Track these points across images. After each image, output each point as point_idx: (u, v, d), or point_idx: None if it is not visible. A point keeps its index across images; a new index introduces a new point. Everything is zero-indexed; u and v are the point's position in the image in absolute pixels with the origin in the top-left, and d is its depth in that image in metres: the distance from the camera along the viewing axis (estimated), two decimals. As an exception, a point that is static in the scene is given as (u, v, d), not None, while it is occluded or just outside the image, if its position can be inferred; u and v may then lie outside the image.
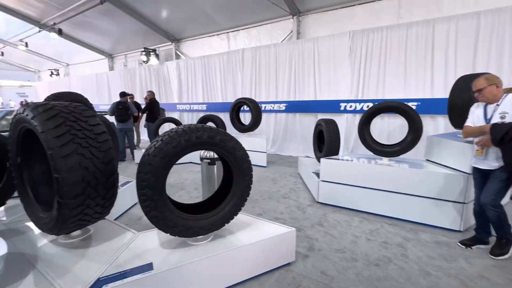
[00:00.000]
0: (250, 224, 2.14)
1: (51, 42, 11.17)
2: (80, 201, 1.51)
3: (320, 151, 4.12)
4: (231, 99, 7.27)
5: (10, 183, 2.16)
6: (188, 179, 4.49)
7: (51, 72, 13.77)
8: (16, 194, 2.05)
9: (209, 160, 3.22)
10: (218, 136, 1.72)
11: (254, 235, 1.97)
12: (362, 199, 3.03)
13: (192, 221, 1.75)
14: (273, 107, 6.74)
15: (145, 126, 6.50)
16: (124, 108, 5.69)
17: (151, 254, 1.72)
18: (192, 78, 8.27)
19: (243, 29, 7.65)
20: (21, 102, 16.43)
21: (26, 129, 1.65)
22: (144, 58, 8.90)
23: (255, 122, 5.56)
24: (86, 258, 1.67)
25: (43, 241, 1.88)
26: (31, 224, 2.08)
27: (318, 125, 4.07)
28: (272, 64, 6.60)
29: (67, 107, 1.62)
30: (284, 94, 6.57)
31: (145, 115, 6.44)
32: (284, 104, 6.56)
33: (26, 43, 10.44)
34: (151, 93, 6.34)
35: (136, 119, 6.40)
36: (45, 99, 2.96)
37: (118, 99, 5.99)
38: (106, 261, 1.62)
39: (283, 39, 6.93)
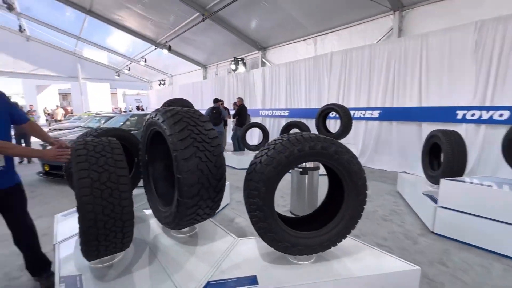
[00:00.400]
0: (357, 250, 1.84)
1: (161, 57, 13.48)
2: (195, 201, 1.58)
3: (432, 168, 3.39)
4: (316, 105, 6.99)
5: (137, 175, 2.54)
6: (273, 185, 4.45)
7: (160, 82, 16.63)
8: (140, 184, 2.39)
9: (301, 170, 3.07)
10: (332, 147, 1.53)
11: (365, 266, 1.67)
12: (507, 240, 2.26)
13: (298, 238, 1.60)
14: (363, 114, 6.10)
15: (232, 130, 6.93)
16: (218, 112, 6.20)
17: (252, 266, 1.66)
18: (276, 84, 8.39)
19: (332, 31, 7.27)
20: (137, 106, 20.51)
21: (156, 131, 1.85)
22: (233, 66, 9.62)
23: (345, 129, 5.11)
24: (195, 257, 1.74)
25: (159, 231, 2.10)
26: (149, 213, 2.37)
27: (432, 136, 3.35)
28: (365, 66, 5.99)
29: (188, 113, 1.73)
30: (378, 99, 5.85)
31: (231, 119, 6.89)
32: (378, 111, 5.84)
33: (145, 59, 12.92)
34: (240, 99, 6.72)
35: (226, 123, 6.90)
36: (163, 105, 3.43)
37: (210, 105, 6.61)
38: (212, 264, 1.65)
39: (380, 39, 6.21)
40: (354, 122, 6.01)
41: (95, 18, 10.15)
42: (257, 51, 9.52)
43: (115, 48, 14.91)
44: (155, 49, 11.62)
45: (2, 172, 1.79)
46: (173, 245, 1.88)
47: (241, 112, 6.57)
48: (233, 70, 9.86)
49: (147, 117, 1.92)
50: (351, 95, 6.35)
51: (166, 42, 10.28)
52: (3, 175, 1.80)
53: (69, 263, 1.67)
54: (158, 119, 1.71)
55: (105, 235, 1.34)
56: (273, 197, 1.53)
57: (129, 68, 15.66)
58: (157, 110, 1.80)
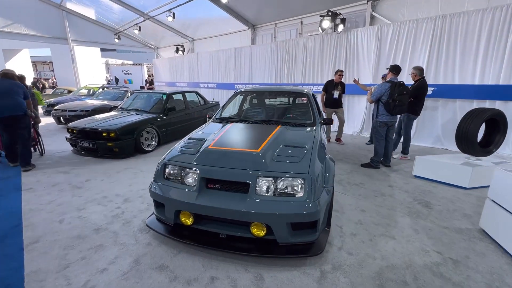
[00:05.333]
0: None
1: (180, 16, 10.07)
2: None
3: None
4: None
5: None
6: None
7: (177, 48, 13.17)
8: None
9: None
10: None
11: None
12: None
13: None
14: None
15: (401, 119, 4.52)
16: (407, 91, 3.73)
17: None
18: (406, 48, 5.96)
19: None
20: (115, 78, 16.86)
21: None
22: (326, 24, 6.89)
23: None
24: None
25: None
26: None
27: None
28: None
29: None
30: None
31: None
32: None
33: (174, 14, 9.54)
34: (419, 70, 4.24)
35: None
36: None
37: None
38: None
39: None
40: None
41: None
42: (364, 1, 6.80)
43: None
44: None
45: None
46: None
47: (422, 91, 4.17)
48: (321, 29, 7.15)
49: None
50: None
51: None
52: None
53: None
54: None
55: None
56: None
57: (139, 27, 11.87)
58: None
